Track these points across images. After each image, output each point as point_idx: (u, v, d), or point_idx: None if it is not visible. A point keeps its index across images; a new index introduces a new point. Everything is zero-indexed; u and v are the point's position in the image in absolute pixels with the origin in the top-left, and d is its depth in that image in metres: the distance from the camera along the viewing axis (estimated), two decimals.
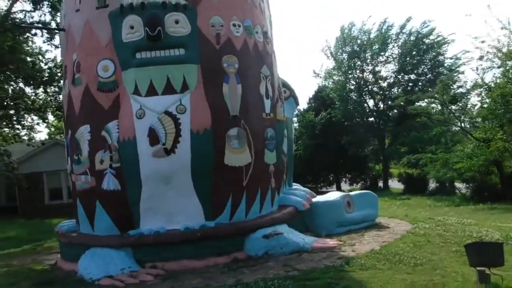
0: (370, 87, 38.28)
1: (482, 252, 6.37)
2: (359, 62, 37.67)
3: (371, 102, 38.33)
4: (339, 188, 40.96)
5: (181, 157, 9.19)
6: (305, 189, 11.78)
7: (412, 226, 11.42)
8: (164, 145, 9.16)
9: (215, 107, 9.47)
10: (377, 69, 37.85)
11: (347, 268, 7.78)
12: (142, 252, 9.22)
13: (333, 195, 11.98)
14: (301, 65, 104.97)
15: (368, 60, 37.80)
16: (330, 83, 40.13)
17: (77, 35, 10.02)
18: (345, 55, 38.39)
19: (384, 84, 38.13)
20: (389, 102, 37.24)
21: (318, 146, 38.90)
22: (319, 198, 11.77)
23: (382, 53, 37.29)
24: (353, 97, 38.22)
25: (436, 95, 25.03)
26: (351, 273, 7.53)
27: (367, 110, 37.97)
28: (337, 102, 38.43)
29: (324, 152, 38.71)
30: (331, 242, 9.95)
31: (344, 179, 41.60)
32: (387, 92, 37.64)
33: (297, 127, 44.44)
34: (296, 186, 12.54)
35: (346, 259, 8.40)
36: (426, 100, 30.00)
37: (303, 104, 41.62)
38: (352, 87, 38.34)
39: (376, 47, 36.88)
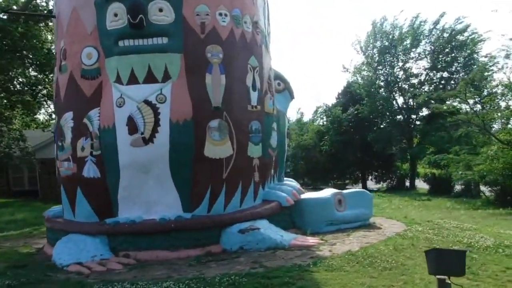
0: (400, 83, 37.17)
1: (443, 260, 5.94)
2: (389, 58, 36.62)
3: (400, 100, 37.24)
4: (365, 186, 40.29)
5: (159, 147, 9.09)
6: (294, 184, 11.46)
7: (404, 228, 10.95)
8: (143, 134, 9.08)
9: (197, 97, 9.31)
10: (407, 65, 36.70)
11: (312, 268, 7.50)
12: (117, 240, 9.19)
13: (325, 192, 11.62)
14: (331, 60, 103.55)
15: (399, 56, 36.70)
16: (359, 78, 39.24)
17: (65, 22, 10.06)
18: (375, 50, 37.40)
19: (415, 81, 36.95)
20: (420, 100, 36.11)
21: (344, 143, 38.26)
22: (309, 195, 11.44)
23: (414, 49, 36.09)
24: (382, 93, 37.22)
25: (458, 94, 23.98)
26: (314, 273, 7.24)
27: (396, 108, 36.92)
28: (365, 98, 37.54)
29: (351, 148, 38.07)
30: (312, 240, 9.65)
31: (370, 177, 40.78)
32: (417, 90, 36.47)
33: (324, 122, 44.03)
34: (289, 181, 12.24)
35: (318, 259, 8.11)
36: (456, 99, 28.95)
37: (331, 99, 41.03)
38: (381, 83, 37.35)
39: (408, 42, 35.77)
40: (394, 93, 37.37)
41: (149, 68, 9.17)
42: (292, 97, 12.17)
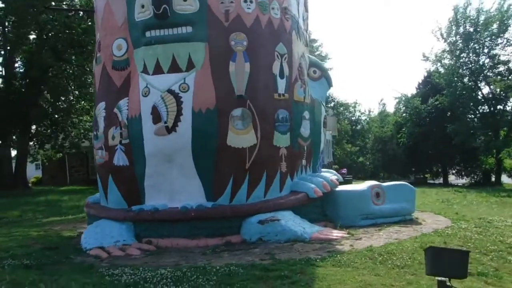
0: (485, 72, 34.55)
1: (442, 260, 5.37)
2: (473, 45, 34.13)
3: (485, 89, 34.63)
4: (446, 181, 38.17)
5: (182, 136, 9.14)
6: (327, 176, 10.92)
7: (447, 225, 10.13)
8: (166, 123, 9.18)
9: (220, 86, 9.25)
10: (494, 52, 34.00)
11: (318, 262, 7.14)
12: (141, 227, 9.42)
13: (363, 185, 11.07)
14: (412, 48, 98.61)
15: (485, 43, 34.07)
16: (440, 67, 37.00)
17: (100, 15, 10.44)
18: (458, 37, 35.04)
19: (503, 69, 34.16)
20: (508, 90, 33.35)
21: (423, 135, 36.48)
22: (345, 187, 10.96)
23: (502, 35, 33.36)
24: (465, 82, 34.81)
25: None
26: (318, 268, 6.90)
27: (480, 97, 34.39)
28: (449, 88, 35.30)
29: (430, 141, 36.18)
30: (336, 234, 9.23)
31: (452, 171, 38.55)
32: (505, 78, 33.70)
33: (403, 114, 42.15)
34: (327, 171, 11.81)
35: (332, 253, 7.73)
36: None
37: (411, 90, 39.27)
38: (465, 71, 34.93)
39: (495, 27, 33.11)
40: (478, 82, 34.84)
41: (173, 57, 9.25)
42: (330, 85, 11.67)
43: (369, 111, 60.14)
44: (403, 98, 41.04)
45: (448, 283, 5.37)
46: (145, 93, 9.36)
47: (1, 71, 24.66)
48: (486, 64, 34.55)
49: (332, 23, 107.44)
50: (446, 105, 34.26)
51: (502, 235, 9.03)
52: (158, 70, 9.34)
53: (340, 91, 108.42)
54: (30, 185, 29.27)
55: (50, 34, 21.34)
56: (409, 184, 11.47)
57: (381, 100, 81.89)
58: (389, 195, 10.74)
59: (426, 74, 39.05)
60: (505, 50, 33.78)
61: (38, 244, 9.76)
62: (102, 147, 10.13)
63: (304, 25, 11.30)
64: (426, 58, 38.43)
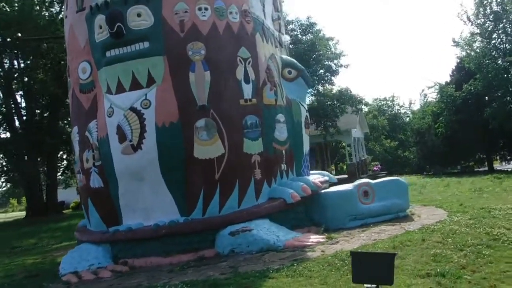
0: None
1: (367, 265, 4.90)
2: (503, 25, 32.30)
3: None
4: (491, 168, 36.23)
5: (148, 153, 9.00)
6: (307, 179, 10.27)
7: (440, 220, 9.43)
8: (131, 141, 9.07)
9: (182, 98, 9.08)
10: None
11: (272, 274, 6.78)
12: (118, 248, 9.34)
13: (350, 184, 10.52)
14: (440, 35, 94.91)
15: None
16: (470, 51, 35.20)
17: (67, 40, 10.53)
18: (485, 19, 33.26)
19: None
20: None
21: (461, 122, 34.72)
22: (332, 188, 10.46)
23: None
24: (499, 64, 32.92)
25: None
26: (269, 280, 6.55)
27: None
28: (481, 72, 33.51)
29: (469, 128, 34.39)
30: (313, 239, 8.78)
31: (497, 157, 36.52)
32: None
33: (439, 103, 40.40)
34: (319, 173, 11.35)
35: (295, 262, 7.34)
36: None
37: (444, 77, 37.68)
38: (497, 54, 33.06)
39: None
40: None
41: (133, 74, 9.15)
42: (308, 84, 11.19)
43: (410, 104, 58.27)
44: (437, 86, 39.32)
45: None
46: (110, 114, 9.31)
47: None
48: None
49: (364, 19, 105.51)
50: (480, 89, 32.52)
51: (493, 226, 8.28)
52: (120, 89, 9.27)
53: (375, 87, 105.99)
54: (69, 209, 30.18)
55: (53, 62, 22.20)
56: (401, 179, 10.82)
57: (422, 91, 79.20)
58: (379, 192, 10.17)
59: (458, 60, 37.27)
60: None
61: (24, 273, 9.88)
62: (80, 170, 10.17)
63: (274, 25, 10.96)
64: (456, 44, 36.74)
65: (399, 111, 57.31)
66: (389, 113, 56.39)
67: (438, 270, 6.01)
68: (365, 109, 49.33)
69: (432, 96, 41.78)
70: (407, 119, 56.01)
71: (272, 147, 9.81)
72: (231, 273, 7.29)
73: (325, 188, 10.63)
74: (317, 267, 6.86)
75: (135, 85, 9.16)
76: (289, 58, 11.20)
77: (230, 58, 9.44)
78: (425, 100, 56.67)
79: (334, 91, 28.00)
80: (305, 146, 10.84)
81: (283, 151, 10.10)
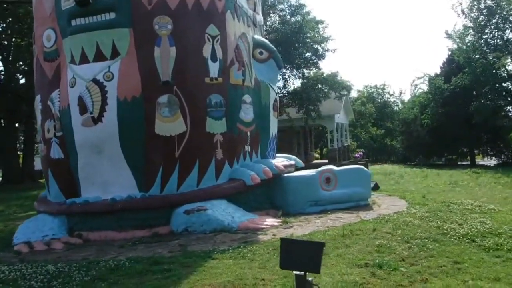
0: (510, 47, 32.47)
1: (295, 253, 4.86)
2: (495, 20, 32.15)
3: (511, 66, 32.57)
4: (473, 162, 36.47)
5: (108, 126, 8.88)
6: (270, 162, 10.25)
7: (398, 211, 9.45)
8: (92, 114, 8.94)
9: (145, 73, 8.93)
10: None
11: (216, 255, 6.76)
12: (73, 220, 9.27)
13: (313, 170, 10.48)
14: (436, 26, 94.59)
15: (509, 17, 32.03)
16: (462, 44, 35.07)
17: (34, 5, 10.29)
18: (479, 13, 33.07)
19: None
20: None
21: (447, 115, 34.79)
22: (295, 173, 10.42)
23: None
24: (489, 59, 32.86)
25: None
26: (212, 260, 6.52)
27: (504, 74, 32.39)
28: (469, 66, 33.45)
29: (455, 121, 34.49)
30: (269, 222, 8.77)
31: (480, 152, 36.71)
32: None
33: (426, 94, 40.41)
34: (286, 157, 11.29)
35: (243, 244, 7.33)
36: None
37: (435, 69, 37.57)
38: (488, 49, 32.96)
39: None
40: (503, 58, 32.82)
41: (97, 45, 8.97)
42: (279, 66, 11.02)
43: (400, 93, 58.22)
44: (426, 77, 39.26)
45: (308, 278, 4.87)
46: (72, 84, 9.15)
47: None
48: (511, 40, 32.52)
49: (362, 7, 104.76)
50: (467, 83, 32.50)
51: (446, 220, 8.29)
52: (83, 59, 9.09)
53: (368, 75, 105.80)
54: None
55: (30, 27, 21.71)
56: (364, 168, 10.82)
57: (413, 81, 79.10)
58: (341, 180, 10.16)
59: (449, 52, 37.17)
60: None
61: None
62: (41, 140, 10.04)
63: (249, 3, 10.76)
64: (448, 36, 36.57)
65: (389, 100, 57.26)
66: (379, 100, 56.29)
67: (377, 261, 6.00)
68: (354, 95, 49.27)
69: (423, 87, 41.57)
70: (396, 108, 56.06)
71: (236, 127, 9.72)
72: (179, 252, 7.27)
73: (290, 172, 10.59)
74: (261, 250, 6.84)
75: (99, 57, 8.99)
76: (261, 38, 11.03)
77: (197, 35, 9.27)
78: (416, 91, 56.70)
79: (320, 76, 27.79)
80: (272, 129, 10.75)
81: (248, 133, 10.02)
